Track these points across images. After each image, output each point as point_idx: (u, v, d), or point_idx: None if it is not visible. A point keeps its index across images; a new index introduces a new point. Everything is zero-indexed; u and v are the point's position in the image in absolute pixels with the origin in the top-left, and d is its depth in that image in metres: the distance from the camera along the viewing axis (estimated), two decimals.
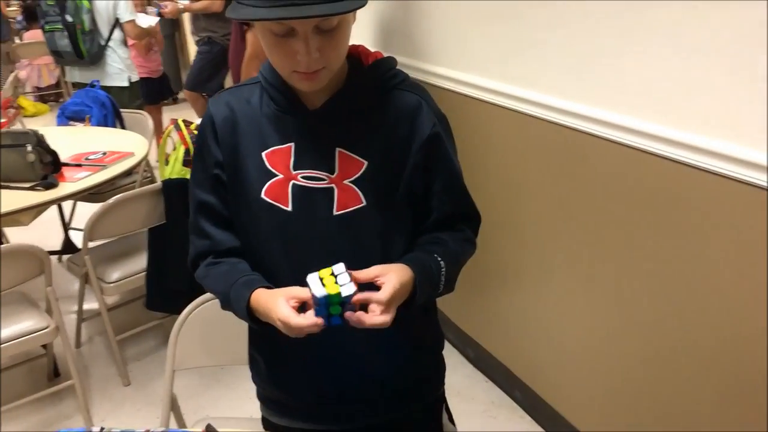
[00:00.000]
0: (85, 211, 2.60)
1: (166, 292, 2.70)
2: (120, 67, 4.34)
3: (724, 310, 1.57)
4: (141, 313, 2.91)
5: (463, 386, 2.64)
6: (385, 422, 1.29)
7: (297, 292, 1.04)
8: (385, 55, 1.19)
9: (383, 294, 1.01)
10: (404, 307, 1.07)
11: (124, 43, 4.39)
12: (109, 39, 4.27)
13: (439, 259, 1.14)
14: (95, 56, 4.24)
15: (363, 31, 2.91)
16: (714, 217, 1.55)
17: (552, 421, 2.32)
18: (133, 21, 4.35)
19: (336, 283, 0.99)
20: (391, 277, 1.04)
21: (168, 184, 2.68)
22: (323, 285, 0.99)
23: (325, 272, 1.01)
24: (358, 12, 1.03)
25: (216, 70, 5.01)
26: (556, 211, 2.08)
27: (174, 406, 1.70)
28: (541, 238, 2.19)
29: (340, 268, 1.01)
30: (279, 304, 1.03)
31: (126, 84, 4.37)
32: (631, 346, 1.90)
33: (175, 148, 3.17)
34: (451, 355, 2.83)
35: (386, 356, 1.23)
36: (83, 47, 4.17)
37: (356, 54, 1.17)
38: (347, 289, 0.97)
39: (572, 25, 1.85)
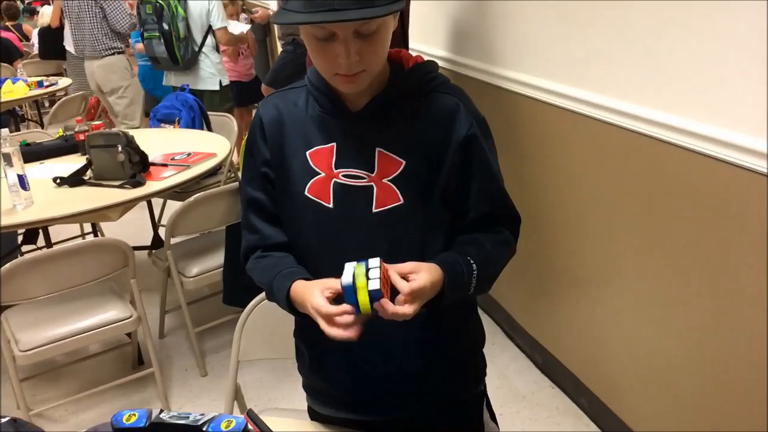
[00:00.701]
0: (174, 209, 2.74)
1: (242, 288, 2.79)
2: (212, 72, 4.53)
3: None
4: (221, 307, 3.01)
5: (529, 391, 2.62)
6: (422, 416, 1.31)
7: (333, 283, 1.08)
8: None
9: (408, 285, 1.03)
10: (431, 306, 1.09)
11: (216, 48, 4.58)
12: (202, 45, 4.47)
13: (472, 261, 1.15)
14: (189, 62, 4.45)
15: (436, 33, 2.93)
16: None
17: (618, 431, 2.27)
18: (224, 28, 4.54)
19: (367, 276, 1.02)
20: (423, 275, 1.07)
21: None
22: (354, 275, 1.02)
23: (360, 265, 1.05)
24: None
25: (296, 70, 5.08)
26: (628, 218, 2.04)
27: (238, 396, 1.76)
28: (613, 245, 2.14)
29: (374, 262, 1.04)
30: (314, 294, 1.08)
31: (217, 88, 4.56)
32: (703, 360, 1.83)
33: None
34: (518, 359, 2.83)
35: (420, 351, 1.25)
36: (178, 53, 4.38)
37: (398, 58, 1.20)
38: (373, 284, 1.01)
39: (641, 30, 1.83)
